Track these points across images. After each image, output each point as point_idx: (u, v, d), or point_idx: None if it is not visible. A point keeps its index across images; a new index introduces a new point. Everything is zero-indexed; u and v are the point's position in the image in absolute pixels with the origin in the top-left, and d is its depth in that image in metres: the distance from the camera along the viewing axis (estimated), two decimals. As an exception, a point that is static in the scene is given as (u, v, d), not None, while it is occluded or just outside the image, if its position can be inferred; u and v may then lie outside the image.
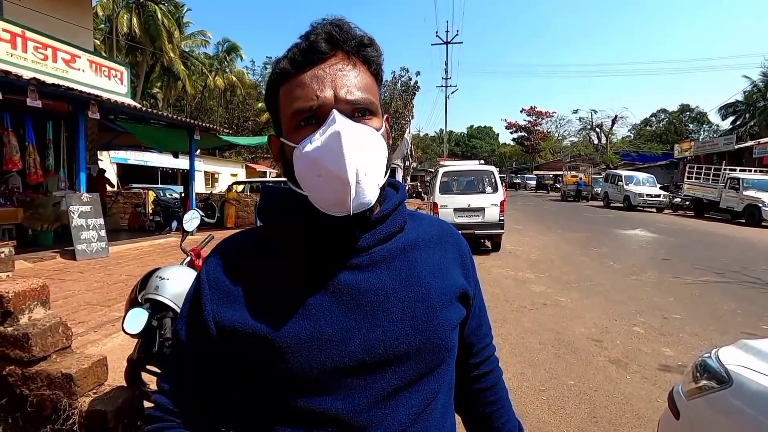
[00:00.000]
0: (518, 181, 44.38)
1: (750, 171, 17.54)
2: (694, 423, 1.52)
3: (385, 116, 0.66)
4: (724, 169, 17.78)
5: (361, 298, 0.60)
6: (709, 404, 1.46)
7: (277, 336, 0.58)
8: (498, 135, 78.26)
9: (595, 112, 37.80)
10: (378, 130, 0.61)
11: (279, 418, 0.59)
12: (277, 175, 29.00)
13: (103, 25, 22.91)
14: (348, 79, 0.59)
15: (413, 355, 0.60)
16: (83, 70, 8.79)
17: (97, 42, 19.65)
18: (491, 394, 0.79)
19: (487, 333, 0.80)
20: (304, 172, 0.58)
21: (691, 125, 47.16)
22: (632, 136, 42.88)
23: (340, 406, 0.57)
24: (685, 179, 19.79)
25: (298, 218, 0.63)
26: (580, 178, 28.58)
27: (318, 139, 0.56)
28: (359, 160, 0.56)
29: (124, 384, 2.25)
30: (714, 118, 42.33)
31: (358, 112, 0.59)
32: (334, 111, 0.57)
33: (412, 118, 28.20)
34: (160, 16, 23.38)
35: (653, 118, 50.28)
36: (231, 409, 0.65)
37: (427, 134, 60.44)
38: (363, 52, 0.62)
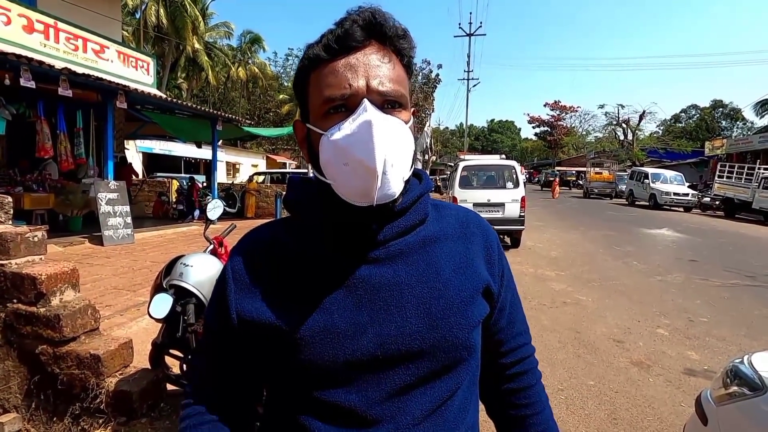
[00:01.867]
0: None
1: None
2: (723, 430, 1.47)
3: (412, 109, 0.65)
4: (759, 168, 17.02)
5: (375, 293, 0.60)
6: (741, 411, 1.41)
7: (292, 328, 0.59)
8: (520, 129, 76.98)
9: (622, 107, 36.72)
10: (406, 123, 0.61)
11: (299, 408, 0.61)
12: (297, 167, 29.31)
13: (130, 17, 23.38)
14: (381, 70, 0.58)
15: (428, 353, 0.60)
16: (112, 61, 9.02)
17: (126, 34, 20.10)
18: (525, 397, 0.74)
19: (522, 332, 0.77)
20: (330, 159, 0.58)
21: (723, 122, 45.27)
22: (660, 132, 41.51)
23: (354, 398, 0.58)
24: (716, 178, 19.05)
25: (318, 209, 0.64)
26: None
27: (347, 128, 0.56)
28: (387, 151, 0.55)
29: (149, 366, 2.32)
30: (749, 114, 40.51)
31: (388, 104, 0.59)
32: (366, 100, 0.56)
33: (433, 111, 27.99)
34: (188, 5, 23.73)
35: (683, 114, 48.48)
36: (255, 392, 0.69)
37: (447, 128, 59.73)
38: (397, 43, 0.61)
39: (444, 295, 0.62)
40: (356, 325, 0.59)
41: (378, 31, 0.59)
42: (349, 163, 0.56)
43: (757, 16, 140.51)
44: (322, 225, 0.63)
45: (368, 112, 0.55)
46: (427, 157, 27.27)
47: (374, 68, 0.58)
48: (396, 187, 0.58)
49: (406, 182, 0.62)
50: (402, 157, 0.59)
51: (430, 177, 0.74)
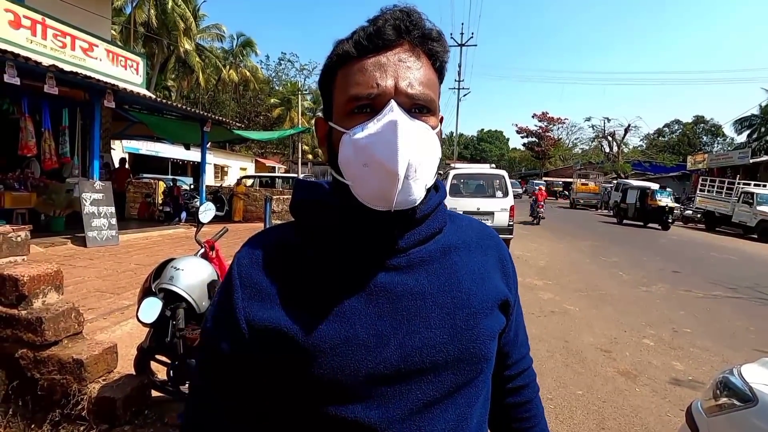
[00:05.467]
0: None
1: (765, 186, 17.28)
2: (713, 441, 1.48)
3: (441, 116, 0.63)
4: (738, 183, 17.54)
5: (397, 302, 0.57)
6: (731, 422, 1.42)
7: (310, 338, 0.55)
8: (508, 139, 77.67)
9: (608, 120, 37.57)
10: (434, 129, 0.58)
11: (309, 428, 0.57)
12: (286, 171, 29.14)
13: (119, 16, 23.09)
14: (411, 72, 0.56)
15: (451, 365, 0.57)
16: (100, 59, 8.88)
17: (114, 32, 19.84)
18: (526, 411, 0.75)
19: (524, 343, 0.77)
20: (350, 159, 0.55)
21: (705, 137, 46.59)
22: (644, 145, 42.49)
23: (374, 415, 0.54)
24: (698, 191, 19.56)
25: (333, 214, 0.60)
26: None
27: (371, 127, 0.54)
28: (412, 155, 0.53)
29: (133, 372, 2.26)
30: (728, 131, 41.83)
31: (416, 107, 0.56)
32: (392, 101, 0.54)
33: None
34: (181, 5, 23.58)
35: (667, 128, 49.74)
36: (261, 416, 0.63)
37: (436, 136, 60.06)
38: (429, 45, 0.59)
39: (467, 305, 0.60)
40: (378, 336, 0.55)
41: (410, 31, 0.57)
42: (369, 164, 0.53)
43: (736, 37, 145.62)
44: (337, 229, 0.60)
45: (394, 112, 0.53)
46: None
47: (404, 69, 0.56)
48: (418, 194, 0.56)
49: (428, 191, 0.59)
50: (426, 163, 0.56)
51: None
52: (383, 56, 0.56)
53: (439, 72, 0.61)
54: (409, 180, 0.54)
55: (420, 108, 0.57)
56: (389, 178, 0.52)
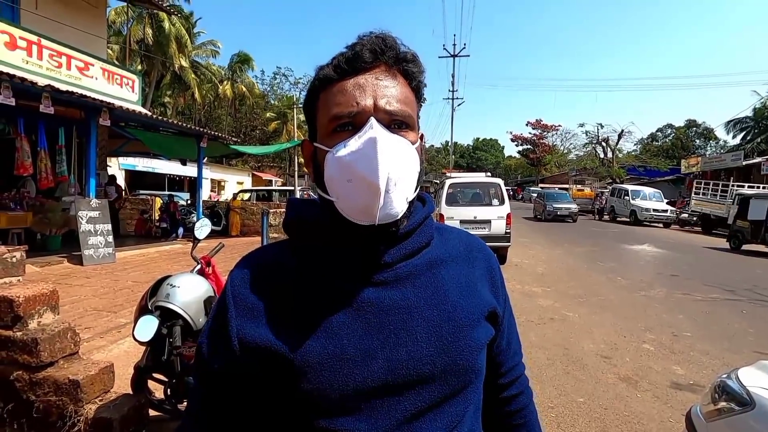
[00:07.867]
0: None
1: (758, 187, 17.41)
2: (713, 446, 1.48)
3: (421, 133, 0.65)
4: (732, 185, 17.66)
5: (384, 317, 0.59)
6: (730, 427, 1.42)
7: (298, 354, 0.57)
8: (503, 147, 78.13)
9: (602, 126, 37.88)
10: (413, 143, 0.61)
11: None
12: (283, 184, 29.22)
13: (116, 36, 23.32)
14: (388, 90, 0.59)
15: (438, 377, 0.58)
16: (96, 78, 8.94)
17: (110, 52, 20.01)
18: (520, 417, 0.76)
19: (517, 351, 0.77)
20: (334, 176, 0.58)
21: (697, 141, 47.01)
22: (638, 150, 42.82)
23: (363, 427, 0.56)
24: (693, 195, 19.67)
25: (322, 231, 0.62)
26: None
27: (353, 144, 0.57)
28: (391, 169, 0.55)
29: (130, 391, 2.23)
30: (720, 133, 42.28)
31: (395, 123, 0.59)
32: (372, 118, 0.57)
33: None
34: (177, 23, 23.83)
35: (660, 133, 50.18)
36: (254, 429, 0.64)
37: (432, 145, 60.69)
38: (404, 66, 0.62)
39: (453, 318, 0.61)
40: (365, 351, 0.57)
41: (386, 53, 0.61)
42: (353, 180, 0.56)
43: (726, 42, 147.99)
44: (326, 247, 0.62)
45: (374, 129, 0.56)
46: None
47: (382, 88, 0.59)
48: (399, 207, 0.58)
49: (411, 204, 0.61)
50: (406, 176, 0.58)
51: None
52: (362, 77, 0.59)
53: (416, 91, 0.64)
54: (390, 193, 0.56)
55: (399, 123, 0.60)
56: (371, 191, 0.55)
